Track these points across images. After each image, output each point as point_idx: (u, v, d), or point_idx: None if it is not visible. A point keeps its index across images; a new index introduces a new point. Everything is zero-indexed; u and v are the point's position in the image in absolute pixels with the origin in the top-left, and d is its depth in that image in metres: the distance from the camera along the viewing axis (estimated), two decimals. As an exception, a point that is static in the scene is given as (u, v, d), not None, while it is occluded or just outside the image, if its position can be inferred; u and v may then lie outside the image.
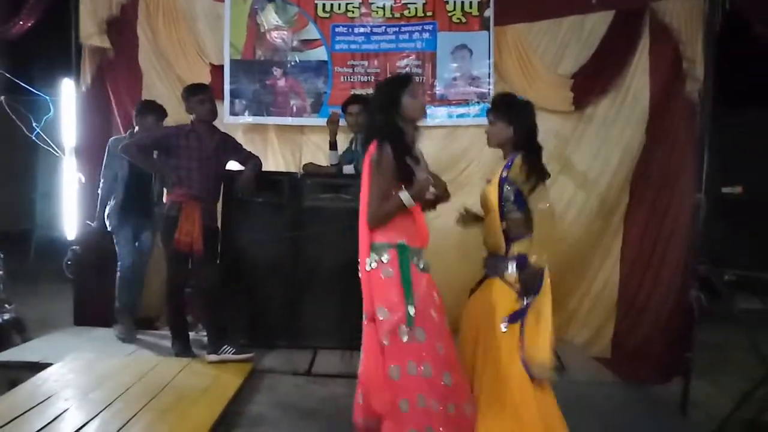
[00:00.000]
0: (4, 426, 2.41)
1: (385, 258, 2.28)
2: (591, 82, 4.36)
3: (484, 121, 4.40)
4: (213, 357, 3.46)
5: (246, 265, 3.92)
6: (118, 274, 4.06)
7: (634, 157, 4.25)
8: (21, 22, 3.89)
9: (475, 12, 4.51)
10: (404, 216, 2.33)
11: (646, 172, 4.17)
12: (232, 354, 3.49)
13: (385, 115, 2.36)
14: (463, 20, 4.53)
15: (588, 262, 4.40)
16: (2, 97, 4.58)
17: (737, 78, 4.97)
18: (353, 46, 4.61)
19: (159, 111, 4.06)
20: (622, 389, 3.46)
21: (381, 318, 2.23)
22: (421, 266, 2.34)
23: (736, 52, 4.30)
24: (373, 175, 2.30)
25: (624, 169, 4.29)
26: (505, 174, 2.56)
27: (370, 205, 2.30)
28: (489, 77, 4.51)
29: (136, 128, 4.03)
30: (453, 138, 4.64)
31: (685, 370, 3.46)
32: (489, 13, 4.49)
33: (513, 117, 2.58)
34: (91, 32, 4.26)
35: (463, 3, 4.50)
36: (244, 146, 3.94)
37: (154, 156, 3.69)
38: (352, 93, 4.38)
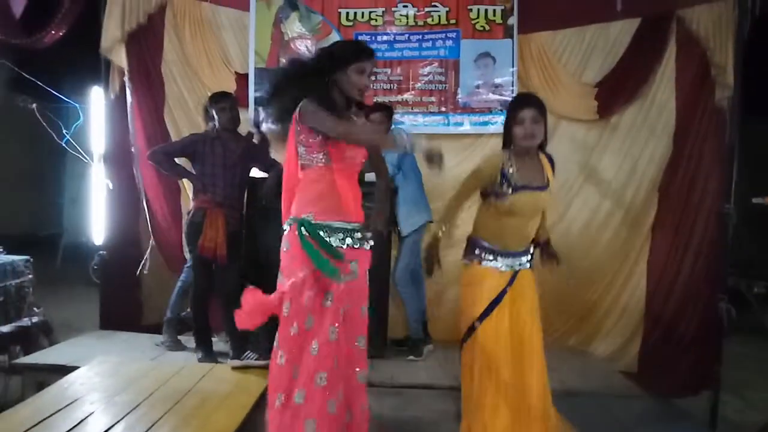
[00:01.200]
0: (32, 428, 2.44)
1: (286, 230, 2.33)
2: (616, 91, 4.31)
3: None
4: (235, 362, 3.48)
5: (268, 271, 3.93)
6: (180, 284, 4.08)
7: (661, 166, 4.19)
8: (53, 32, 3.98)
9: (498, 20, 4.50)
10: (321, 187, 2.27)
11: (673, 183, 4.10)
12: (255, 360, 3.51)
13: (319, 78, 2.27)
14: (487, 28, 4.52)
15: (614, 273, 4.34)
16: (34, 105, 4.69)
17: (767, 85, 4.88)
18: (376, 54, 4.62)
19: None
20: (649, 403, 3.39)
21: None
22: (335, 242, 2.26)
23: (766, 59, 4.23)
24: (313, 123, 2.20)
25: (650, 179, 4.23)
26: (551, 176, 2.61)
27: (334, 129, 2.18)
28: (512, 85, 4.49)
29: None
30: (475, 148, 4.61)
31: (713, 384, 3.38)
32: (513, 21, 4.48)
33: (546, 117, 2.56)
34: (110, 45, 4.33)
35: (486, 11, 4.50)
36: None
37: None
38: (374, 101, 4.39)
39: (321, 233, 2.26)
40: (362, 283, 2.40)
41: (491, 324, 2.50)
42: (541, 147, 2.61)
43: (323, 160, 2.28)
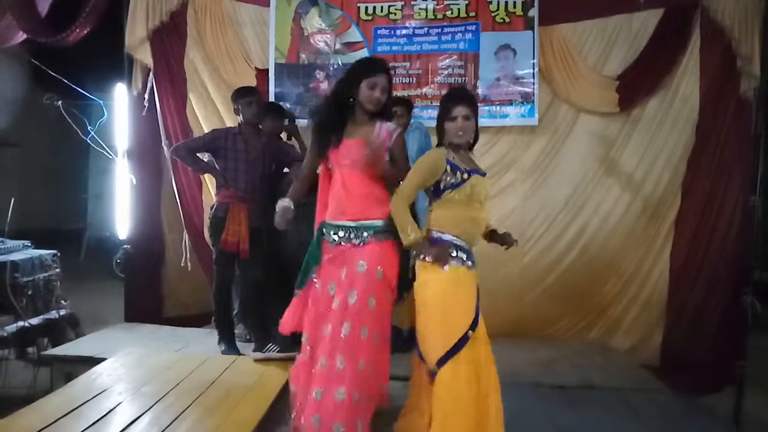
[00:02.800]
0: (63, 417, 2.52)
1: None
2: (638, 83, 4.26)
3: (528, 121, 4.47)
4: (258, 355, 3.53)
5: (290, 265, 3.97)
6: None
7: (684, 159, 4.14)
8: (78, 30, 4.05)
9: (519, 12, 4.46)
10: (333, 190, 2.60)
11: (697, 175, 4.05)
12: (276, 352, 3.55)
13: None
14: (507, 20, 4.48)
15: (635, 266, 4.30)
16: (59, 102, 4.78)
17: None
18: (395, 48, 4.63)
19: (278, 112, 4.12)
20: (671, 398, 3.35)
21: None
22: (330, 241, 2.57)
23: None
24: None
25: (672, 172, 4.19)
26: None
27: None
28: (533, 77, 4.45)
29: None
30: (495, 142, 4.60)
31: (737, 379, 3.34)
32: (533, 12, 4.43)
33: (477, 114, 2.56)
34: (135, 44, 4.39)
35: (506, 3, 4.46)
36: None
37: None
38: (394, 95, 4.38)
39: (324, 230, 2.63)
40: (369, 277, 2.47)
41: (481, 329, 2.40)
42: (473, 145, 2.59)
43: (331, 167, 2.63)
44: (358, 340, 2.41)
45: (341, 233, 2.56)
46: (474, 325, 2.36)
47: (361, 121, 2.60)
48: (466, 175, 2.45)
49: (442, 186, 2.47)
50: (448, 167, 2.45)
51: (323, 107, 2.67)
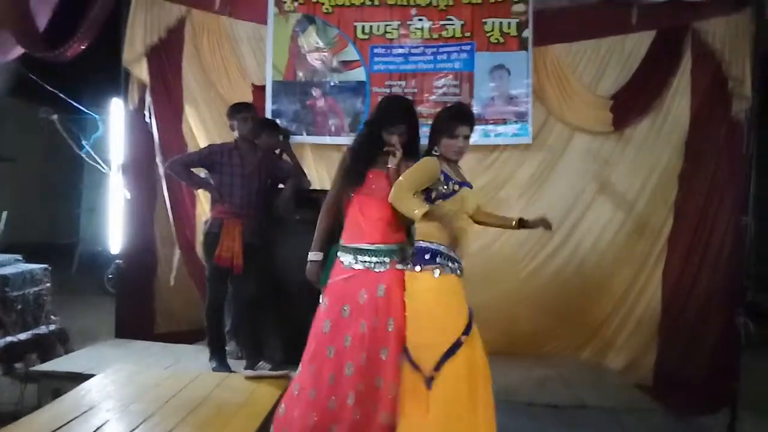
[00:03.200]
0: (50, 434, 2.47)
1: None
2: (631, 103, 4.31)
3: (521, 140, 4.51)
4: (249, 372, 3.49)
5: (283, 282, 3.96)
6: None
7: (675, 178, 4.17)
8: (75, 45, 4.05)
9: (513, 32, 4.52)
10: (350, 214, 2.67)
11: (688, 195, 4.07)
12: (268, 370, 3.52)
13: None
14: (502, 40, 4.54)
15: (628, 285, 4.30)
16: (55, 116, 4.78)
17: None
18: (391, 67, 4.67)
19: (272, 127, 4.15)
20: (664, 418, 3.34)
21: None
22: (346, 263, 2.58)
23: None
24: None
25: (664, 192, 4.21)
26: None
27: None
28: (527, 97, 4.50)
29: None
30: (489, 159, 4.63)
31: (731, 400, 3.33)
32: (528, 33, 4.49)
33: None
34: (133, 59, 4.41)
35: (501, 23, 4.52)
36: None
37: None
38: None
39: (338, 252, 2.65)
40: (389, 300, 2.51)
41: (475, 334, 2.41)
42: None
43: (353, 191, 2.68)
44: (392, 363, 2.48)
45: (359, 256, 2.59)
46: (467, 330, 2.37)
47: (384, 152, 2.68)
48: (457, 186, 2.48)
49: (433, 195, 2.48)
50: (442, 176, 2.47)
51: (361, 141, 2.76)
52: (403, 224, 2.61)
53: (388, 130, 2.63)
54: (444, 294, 2.43)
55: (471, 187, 2.59)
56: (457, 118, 2.53)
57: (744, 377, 3.40)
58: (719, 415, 3.47)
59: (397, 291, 2.53)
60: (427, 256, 2.45)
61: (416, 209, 2.39)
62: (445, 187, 2.47)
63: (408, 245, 2.58)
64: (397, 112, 2.70)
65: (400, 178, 2.49)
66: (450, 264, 2.44)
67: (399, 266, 2.56)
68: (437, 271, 2.42)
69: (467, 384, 2.32)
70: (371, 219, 2.59)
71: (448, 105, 2.97)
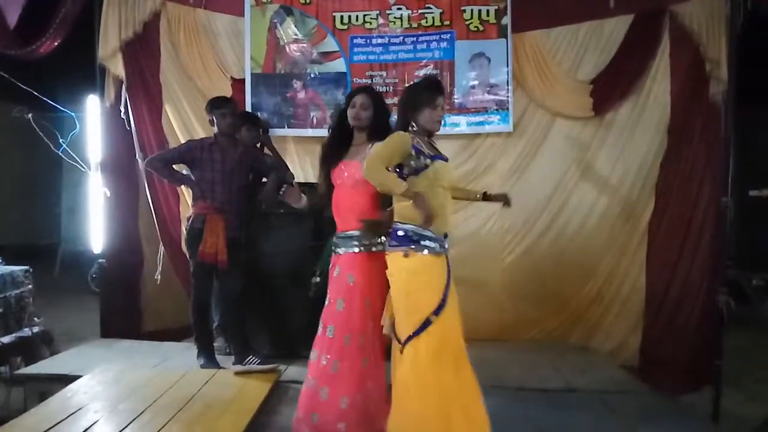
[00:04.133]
0: (37, 438, 2.45)
1: None
2: (611, 87, 4.33)
3: (503, 128, 4.52)
4: (238, 367, 3.48)
5: (268, 275, 3.94)
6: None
7: (657, 161, 4.21)
8: (48, 42, 3.98)
9: (492, 20, 4.51)
10: None
11: (670, 177, 4.12)
12: (257, 364, 3.51)
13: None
14: (481, 28, 4.53)
15: (612, 268, 4.35)
16: (30, 115, 4.69)
17: (762, 79, 4.90)
18: (371, 57, 4.64)
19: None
20: (650, 398, 3.39)
21: None
22: (337, 250, 2.71)
23: (759, 53, 4.25)
24: None
25: (646, 174, 4.26)
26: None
27: None
28: (507, 84, 4.50)
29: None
30: (472, 147, 4.63)
31: (715, 378, 3.39)
32: (506, 20, 4.49)
33: None
34: (108, 55, 4.34)
35: (480, 11, 4.51)
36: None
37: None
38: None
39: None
40: (342, 281, 2.67)
41: (450, 314, 2.42)
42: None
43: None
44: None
45: (338, 246, 2.73)
46: (438, 310, 2.39)
47: (358, 142, 2.77)
48: (428, 161, 2.48)
49: (405, 172, 2.49)
50: (413, 151, 2.47)
51: (330, 131, 2.92)
52: (376, 209, 2.67)
53: (352, 101, 2.74)
54: (413, 274, 2.44)
55: (446, 160, 2.61)
56: (434, 88, 2.60)
57: (727, 355, 3.46)
58: (703, 392, 3.54)
59: (349, 272, 2.65)
60: (397, 237, 2.48)
61: (394, 185, 2.41)
62: (417, 161, 2.47)
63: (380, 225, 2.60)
64: (359, 88, 2.92)
65: (371, 152, 2.53)
66: (424, 243, 2.44)
67: (375, 249, 2.63)
68: (406, 252, 2.44)
69: (438, 363, 2.35)
70: (342, 208, 2.72)
71: (414, 81, 3.01)
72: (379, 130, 2.71)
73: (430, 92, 2.57)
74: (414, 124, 2.56)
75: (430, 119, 2.55)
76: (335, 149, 2.80)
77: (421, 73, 4.59)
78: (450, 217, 2.58)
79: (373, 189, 2.56)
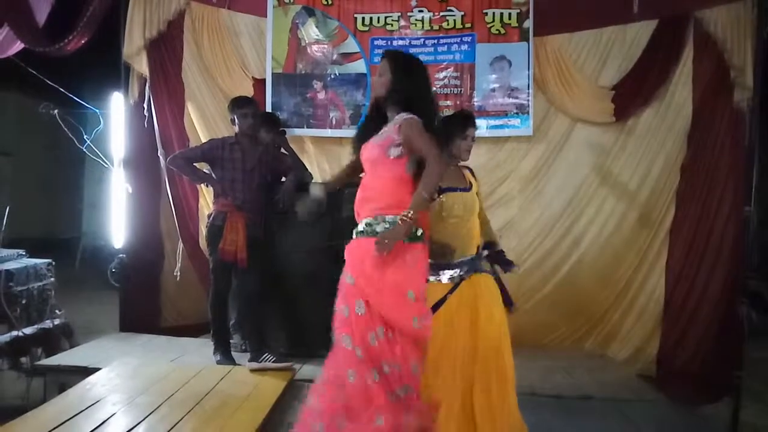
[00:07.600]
0: (56, 428, 2.49)
1: None
2: (633, 93, 4.29)
3: (523, 132, 4.50)
4: (254, 365, 3.51)
5: (286, 274, 3.97)
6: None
7: (678, 169, 4.16)
8: (75, 39, 4.05)
9: (514, 23, 4.50)
10: None
11: (691, 185, 4.06)
12: (272, 362, 3.53)
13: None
14: (502, 31, 4.52)
15: (630, 275, 4.31)
16: (55, 111, 4.77)
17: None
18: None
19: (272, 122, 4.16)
20: (667, 409, 3.34)
21: None
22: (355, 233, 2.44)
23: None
24: None
25: (667, 182, 4.20)
26: (473, 181, 2.74)
27: None
28: (528, 88, 4.48)
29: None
30: (491, 152, 4.63)
31: (735, 390, 3.34)
32: (528, 24, 4.47)
33: None
34: (133, 53, 4.39)
35: (502, 14, 4.50)
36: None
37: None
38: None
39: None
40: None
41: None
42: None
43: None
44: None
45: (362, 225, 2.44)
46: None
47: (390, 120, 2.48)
48: (436, 195, 2.47)
49: None
50: None
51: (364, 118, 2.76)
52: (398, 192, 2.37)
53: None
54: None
55: (468, 189, 2.63)
56: (466, 119, 2.70)
57: (747, 366, 3.40)
58: (722, 404, 3.48)
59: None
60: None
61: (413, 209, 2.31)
62: None
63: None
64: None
65: (434, 152, 2.33)
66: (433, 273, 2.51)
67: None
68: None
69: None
70: (359, 197, 2.47)
71: (449, 114, 2.94)
72: (397, 97, 2.39)
73: (463, 124, 2.67)
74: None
75: (460, 149, 2.65)
76: (361, 129, 2.58)
77: (442, 75, 4.59)
78: (470, 240, 2.61)
79: (389, 173, 2.38)
